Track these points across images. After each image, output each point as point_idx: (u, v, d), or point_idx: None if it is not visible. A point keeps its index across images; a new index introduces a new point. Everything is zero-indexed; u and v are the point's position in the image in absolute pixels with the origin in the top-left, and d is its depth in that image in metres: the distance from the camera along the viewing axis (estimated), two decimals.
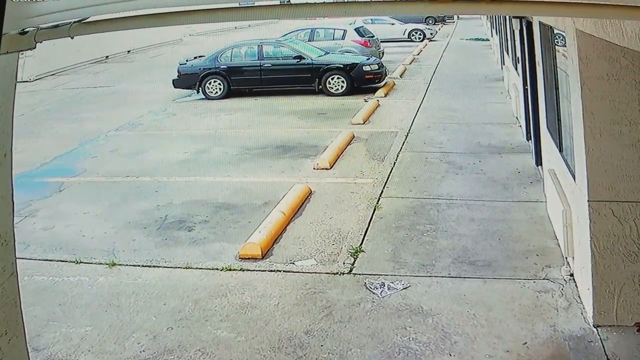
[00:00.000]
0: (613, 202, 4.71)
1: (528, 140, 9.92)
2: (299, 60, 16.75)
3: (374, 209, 7.76)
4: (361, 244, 6.80)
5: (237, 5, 2.68)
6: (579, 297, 5.31)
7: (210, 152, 11.19)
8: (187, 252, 6.87)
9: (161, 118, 14.81)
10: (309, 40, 20.67)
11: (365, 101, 15.07)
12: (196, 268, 6.45)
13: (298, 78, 16.56)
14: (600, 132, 4.67)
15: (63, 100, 17.89)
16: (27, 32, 2.56)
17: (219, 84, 16.78)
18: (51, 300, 5.88)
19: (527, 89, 9.37)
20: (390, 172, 9.27)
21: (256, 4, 2.76)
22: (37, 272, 6.46)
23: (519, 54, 10.59)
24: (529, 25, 8.46)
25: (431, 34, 31.69)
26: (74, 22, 2.62)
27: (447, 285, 5.80)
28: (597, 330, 4.83)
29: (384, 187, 8.63)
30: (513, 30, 11.21)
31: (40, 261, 6.76)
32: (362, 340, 4.97)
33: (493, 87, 15.93)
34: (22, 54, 2.75)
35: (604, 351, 4.59)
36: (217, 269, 6.39)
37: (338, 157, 10.25)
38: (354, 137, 11.54)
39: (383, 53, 22.14)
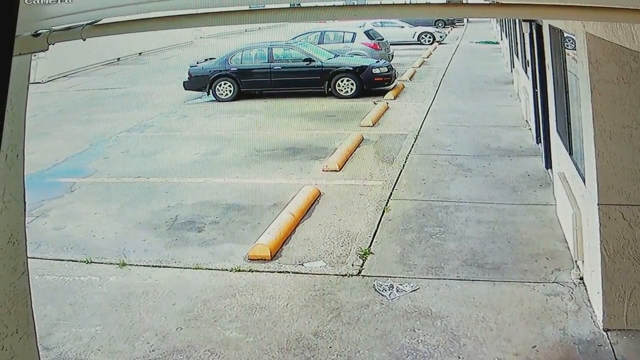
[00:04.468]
0: (623, 205, 4.69)
1: (538, 143, 9.89)
2: (308, 62, 16.78)
3: (383, 211, 7.77)
4: (370, 245, 6.81)
5: (247, 7, 2.70)
6: (589, 300, 5.29)
7: (221, 153, 11.23)
8: (196, 253, 6.90)
9: (172, 120, 14.87)
10: (319, 43, 20.68)
11: (375, 104, 15.08)
12: (206, 269, 6.48)
13: (308, 80, 16.59)
14: (611, 136, 4.66)
15: (75, 102, 18.00)
16: (40, 34, 2.59)
17: (229, 86, 16.84)
18: (62, 300, 5.92)
19: (537, 92, 9.34)
20: (399, 175, 9.27)
21: (266, 6, 2.78)
22: (48, 272, 6.51)
23: (528, 57, 10.56)
24: (539, 28, 8.43)
25: (441, 37, 31.62)
26: (86, 24, 2.64)
27: (455, 288, 5.79)
28: (607, 334, 4.81)
29: (392, 189, 8.62)
30: (523, 34, 11.18)
31: (52, 261, 6.81)
32: (370, 342, 4.97)
33: (502, 90, 15.88)
34: (35, 55, 2.78)
35: (614, 355, 4.57)
36: (227, 269, 6.42)
37: (347, 159, 10.25)
38: (363, 139, 11.54)
39: (392, 56, 22.12)
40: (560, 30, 6.30)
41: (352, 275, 6.15)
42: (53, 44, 2.65)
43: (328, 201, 8.32)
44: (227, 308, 5.64)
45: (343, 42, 21.43)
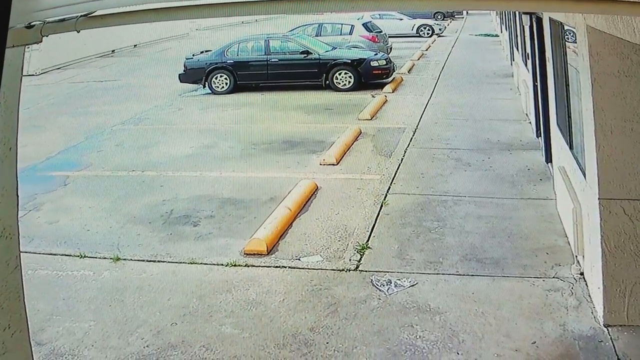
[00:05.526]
0: (624, 199, 4.66)
1: (538, 137, 9.85)
2: (306, 55, 16.70)
3: (381, 205, 7.72)
4: (368, 240, 6.76)
5: None
6: (589, 296, 5.25)
7: (216, 147, 11.16)
8: (192, 247, 6.84)
9: (167, 112, 14.80)
10: (317, 35, 20.61)
11: (373, 97, 15.02)
12: (201, 263, 6.43)
13: (305, 73, 16.51)
14: (611, 129, 4.62)
15: (69, 94, 17.91)
16: (34, 25, 2.54)
17: (225, 78, 16.75)
18: (55, 295, 5.87)
19: (537, 85, 9.29)
20: (398, 169, 9.22)
21: None
22: (41, 266, 6.45)
23: (528, 50, 10.51)
24: (539, 21, 8.38)
25: (440, 29, 31.57)
26: (80, 16, 2.59)
27: (454, 283, 5.75)
28: (607, 329, 4.77)
29: (391, 183, 8.58)
30: (523, 27, 11.13)
31: (45, 255, 6.75)
32: (367, 338, 4.93)
33: (502, 84, 15.84)
34: (28, 47, 2.73)
35: (615, 351, 4.53)
36: (222, 264, 6.36)
37: (345, 153, 10.20)
38: (361, 132, 11.49)
39: (391, 48, 22.06)
40: (561, 23, 6.25)
41: (349, 270, 6.10)
42: (47, 36, 2.60)
43: (325, 195, 8.27)
44: (223, 303, 5.59)
45: (341, 34, 21.35)
